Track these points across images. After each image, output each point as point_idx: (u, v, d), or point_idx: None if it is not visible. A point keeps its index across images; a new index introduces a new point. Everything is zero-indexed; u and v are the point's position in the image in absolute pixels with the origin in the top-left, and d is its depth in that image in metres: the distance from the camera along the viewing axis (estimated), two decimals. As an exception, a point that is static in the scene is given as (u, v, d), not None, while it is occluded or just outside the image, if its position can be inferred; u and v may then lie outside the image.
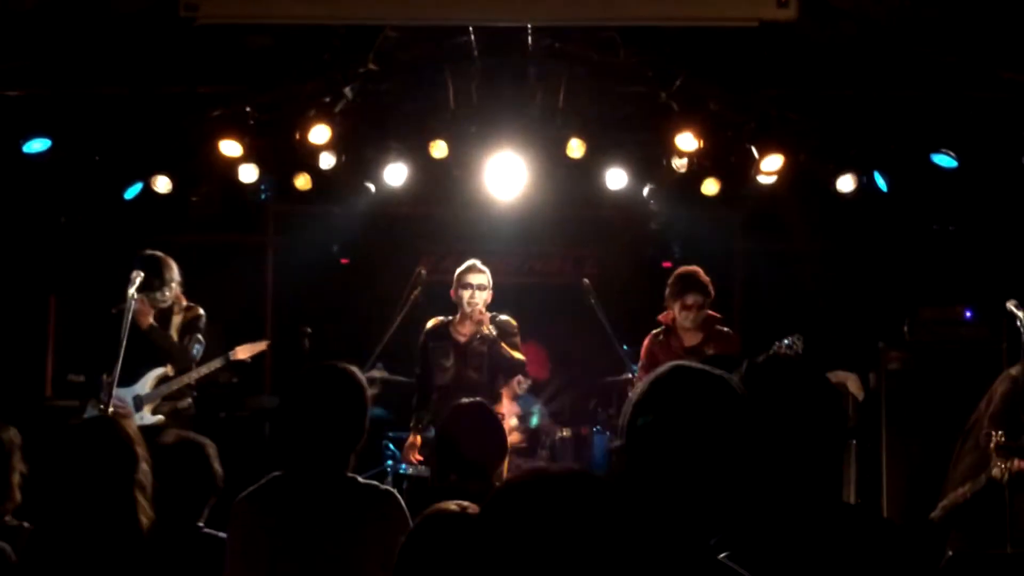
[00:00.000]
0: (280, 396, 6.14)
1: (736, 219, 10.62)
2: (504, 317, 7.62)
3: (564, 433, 9.05)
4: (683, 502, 2.36)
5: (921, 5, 6.88)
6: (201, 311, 7.59)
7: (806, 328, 7.43)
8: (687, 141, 8.35)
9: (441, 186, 9.55)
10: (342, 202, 9.50)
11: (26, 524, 3.99)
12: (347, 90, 8.19)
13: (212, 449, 4.39)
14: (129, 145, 8.57)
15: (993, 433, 6.13)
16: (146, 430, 4.67)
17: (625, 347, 8.26)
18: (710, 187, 8.99)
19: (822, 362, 3.02)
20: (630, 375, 8.05)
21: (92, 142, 8.53)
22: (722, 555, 2.46)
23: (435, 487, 4.61)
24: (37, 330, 9.77)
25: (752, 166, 8.60)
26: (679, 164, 8.70)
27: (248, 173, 8.72)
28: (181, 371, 7.46)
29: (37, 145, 8.22)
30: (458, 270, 7.56)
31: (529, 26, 7.48)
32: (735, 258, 11.00)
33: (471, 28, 7.51)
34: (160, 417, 7.37)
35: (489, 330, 7.41)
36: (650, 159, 9.03)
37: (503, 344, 7.47)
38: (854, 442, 8.02)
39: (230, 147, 8.40)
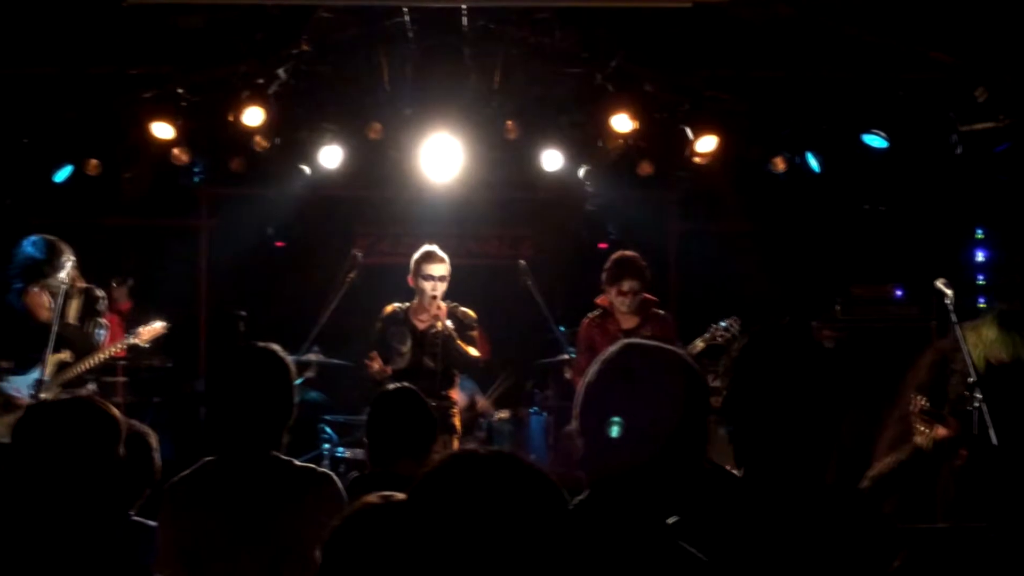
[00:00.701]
0: (207, 381, 6.10)
1: (671, 200, 10.69)
2: (464, 309, 7.49)
3: (501, 415, 9.06)
4: (647, 481, 2.37)
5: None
6: (100, 292, 7.34)
7: (740, 308, 7.51)
8: (622, 122, 8.37)
9: (376, 168, 9.51)
10: (277, 185, 9.43)
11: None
12: (281, 71, 8.12)
13: (154, 440, 4.35)
14: (59, 127, 8.43)
15: (915, 398, 6.24)
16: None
17: (561, 328, 8.29)
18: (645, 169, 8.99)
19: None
20: (566, 356, 8.08)
21: (20, 124, 8.38)
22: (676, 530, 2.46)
23: (371, 474, 4.58)
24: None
25: (687, 147, 8.65)
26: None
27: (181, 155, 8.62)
28: (81, 357, 7.14)
29: (-37, 127, 8.08)
30: (416, 257, 7.37)
31: (464, 7, 7.46)
32: (670, 239, 11.09)
33: (406, 9, 7.47)
34: None
35: (444, 326, 7.30)
36: (585, 140, 9.06)
37: (459, 341, 7.32)
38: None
39: (162, 129, 8.28)
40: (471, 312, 7.48)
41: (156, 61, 8.25)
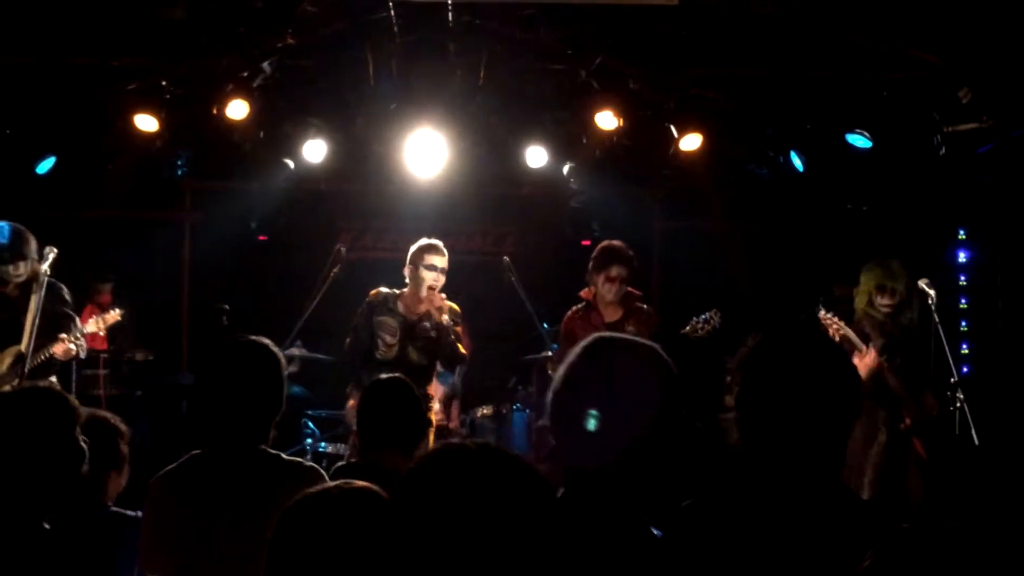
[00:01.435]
0: (197, 372, 6.07)
1: (655, 198, 10.70)
2: (450, 304, 7.46)
3: (484, 411, 9.06)
4: (621, 476, 2.37)
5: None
6: (63, 286, 7.19)
7: (723, 306, 7.53)
8: (607, 119, 8.39)
9: (361, 163, 9.50)
10: (260, 178, 9.40)
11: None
12: (265, 65, 8.09)
13: (120, 424, 4.33)
14: (41, 118, 8.39)
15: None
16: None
17: (545, 325, 8.29)
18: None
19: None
20: (549, 353, 8.09)
21: (3, 115, 8.33)
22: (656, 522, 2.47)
23: (355, 464, 4.58)
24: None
25: (671, 145, 8.66)
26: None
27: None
28: (38, 348, 6.94)
29: (-55, 118, 8.03)
30: (418, 247, 7.33)
31: (449, 2, 7.45)
32: (654, 236, 11.11)
33: (391, 3, 7.46)
34: None
35: (444, 319, 7.21)
36: (570, 137, 9.06)
37: (450, 337, 7.27)
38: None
39: (145, 121, 8.25)
40: (455, 307, 7.46)
41: (139, 53, 8.21)
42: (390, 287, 7.44)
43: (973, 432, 6.36)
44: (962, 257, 9.84)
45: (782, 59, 8.15)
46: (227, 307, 8.68)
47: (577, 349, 2.51)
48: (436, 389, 8.49)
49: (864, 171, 8.84)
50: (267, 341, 3.89)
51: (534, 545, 1.88)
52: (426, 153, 8.75)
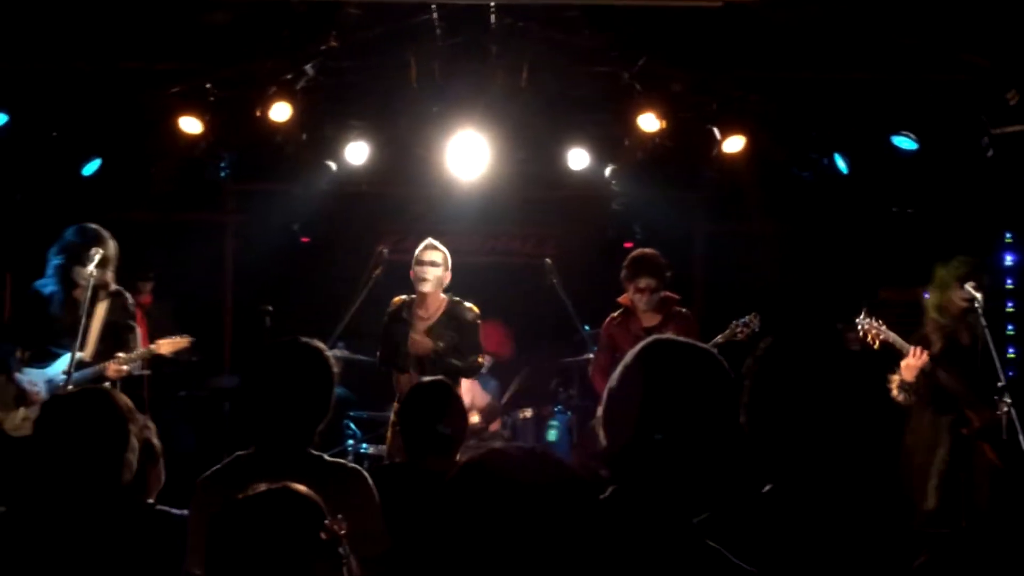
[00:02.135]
0: (244, 372, 6.07)
1: (697, 200, 10.65)
2: (467, 305, 7.41)
3: (525, 413, 9.04)
4: (672, 479, 2.35)
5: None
6: (130, 299, 7.35)
7: (765, 309, 7.48)
8: (649, 122, 8.37)
9: (403, 165, 9.52)
10: (303, 180, 9.44)
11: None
12: (308, 68, 8.13)
13: (147, 421, 4.35)
14: (87, 121, 8.47)
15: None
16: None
17: (586, 328, 8.27)
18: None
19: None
20: (591, 355, 8.07)
21: (50, 118, 8.42)
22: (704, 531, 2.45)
23: (398, 465, 4.59)
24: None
25: (714, 147, 8.62)
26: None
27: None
28: (99, 357, 7.09)
29: (-7, 120, 8.11)
30: (417, 249, 7.42)
31: (492, 4, 7.45)
32: (696, 239, 11.06)
33: (434, 6, 7.47)
34: None
35: (434, 352, 7.20)
36: (612, 139, 9.04)
37: (452, 359, 7.22)
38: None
39: (189, 124, 8.32)
40: (474, 308, 7.42)
41: (185, 57, 8.28)
42: (409, 295, 7.45)
43: (1021, 437, 6.28)
44: (1009, 260, 9.73)
45: (826, 61, 8.10)
46: (269, 308, 8.70)
47: (634, 351, 2.49)
48: (479, 396, 8.50)
49: (910, 173, 8.76)
50: (319, 344, 3.89)
51: (574, 547, 1.87)
52: (468, 155, 8.75)
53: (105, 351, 7.11)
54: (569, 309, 7.89)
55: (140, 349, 7.36)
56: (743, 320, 7.40)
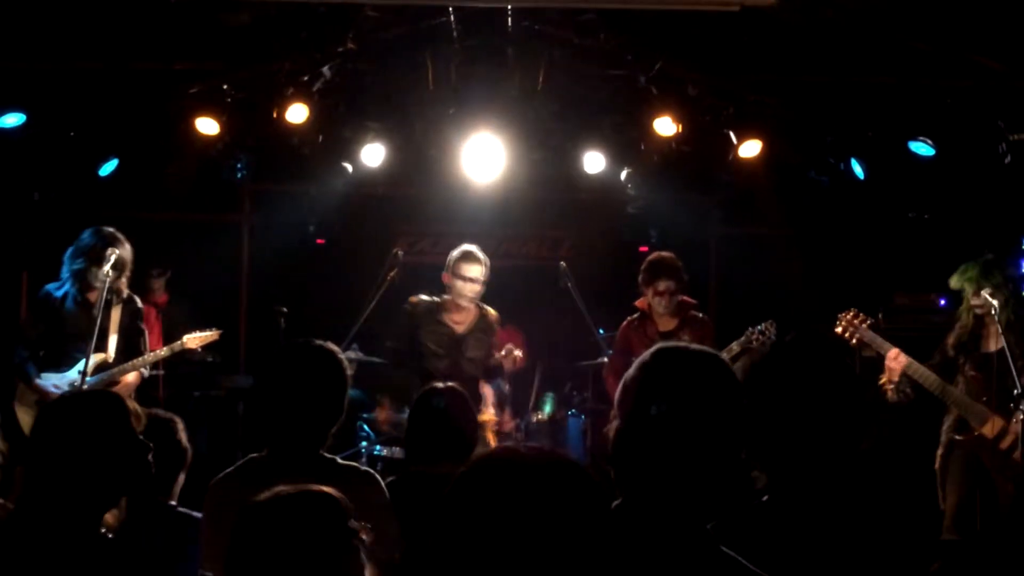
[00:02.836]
0: (257, 374, 6.08)
1: (713, 204, 10.63)
2: (489, 309, 7.47)
3: (539, 416, 9.04)
4: (689, 486, 2.35)
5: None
6: (139, 301, 7.44)
7: (781, 314, 7.47)
8: (665, 125, 8.36)
9: (418, 167, 9.52)
10: (319, 182, 9.45)
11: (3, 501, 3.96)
12: (325, 69, 8.15)
13: (180, 424, 4.38)
14: (105, 121, 8.50)
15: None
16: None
17: (601, 331, 8.26)
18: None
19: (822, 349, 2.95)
20: (605, 359, 8.06)
21: (67, 118, 8.45)
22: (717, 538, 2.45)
23: (410, 473, 4.56)
24: (9, 307, 9.70)
25: (730, 151, 8.61)
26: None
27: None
28: (124, 360, 7.21)
29: (11, 120, 8.12)
30: (453, 256, 7.40)
31: (509, 7, 7.46)
32: (711, 243, 11.04)
33: (451, 9, 7.48)
34: None
35: (514, 359, 7.33)
36: (628, 143, 9.03)
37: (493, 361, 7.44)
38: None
39: (207, 125, 8.34)
40: (493, 312, 7.46)
41: (202, 57, 8.30)
42: (430, 294, 7.46)
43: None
44: (1025, 267, 9.68)
45: (843, 65, 8.08)
46: (285, 310, 8.72)
47: (642, 357, 2.49)
48: (487, 391, 8.48)
49: (927, 179, 8.73)
50: (333, 347, 3.89)
51: (587, 549, 1.87)
52: (484, 158, 8.76)
53: (122, 353, 7.18)
54: (583, 312, 7.88)
55: (168, 346, 7.46)
56: (759, 327, 7.39)
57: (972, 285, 6.86)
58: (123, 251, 7.06)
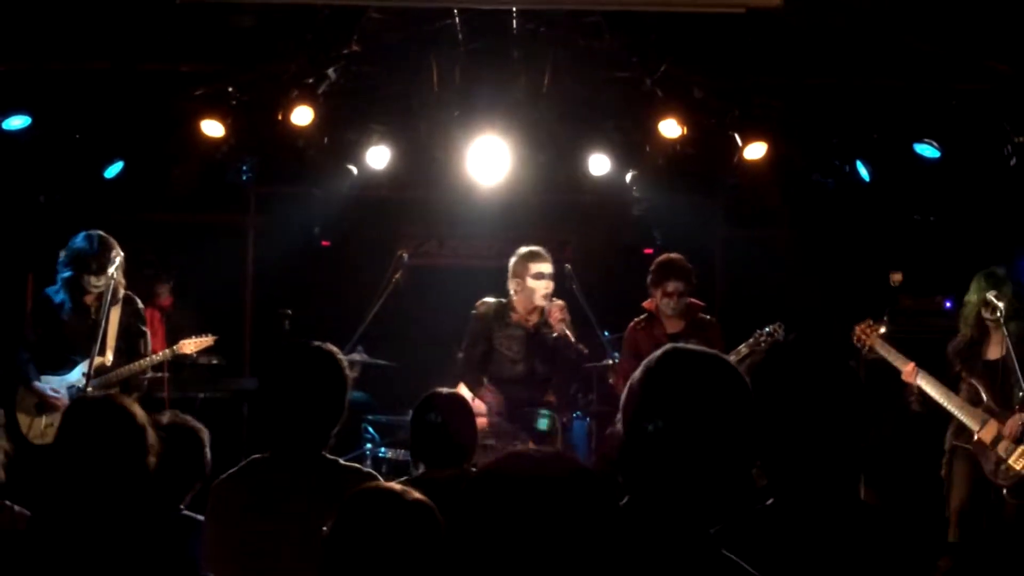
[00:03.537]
0: (259, 376, 6.09)
1: (718, 207, 10.63)
2: (558, 302, 7.50)
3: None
4: (692, 493, 2.34)
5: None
6: (139, 301, 7.45)
7: (786, 316, 7.45)
8: (670, 128, 8.35)
9: (423, 170, 9.52)
10: (324, 184, 9.45)
11: (10, 504, 3.96)
12: (330, 71, 8.15)
13: (205, 435, 4.38)
14: (110, 123, 8.50)
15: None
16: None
17: (606, 333, 8.25)
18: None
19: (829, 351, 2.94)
20: (610, 361, 8.05)
21: (73, 119, 8.46)
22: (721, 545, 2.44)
23: (416, 478, 4.56)
24: (14, 309, 9.70)
25: (735, 154, 8.60)
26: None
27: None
28: (124, 362, 7.23)
29: (17, 122, 8.13)
30: (518, 257, 7.45)
31: (514, 10, 7.45)
32: (717, 245, 11.03)
33: (456, 11, 7.48)
34: None
35: (563, 330, 7.28)
36: (633, 145, 9.02)
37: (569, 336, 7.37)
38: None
39: (212, 127, 8.34)
40: (561, 302, 7.50)
41: (207, 59, 8.30)
42: (496, 296, 7.47)
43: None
44: (1031, 269, 9.66)
45: (848, 68, 8.07)
46: (289, 312, 8.72)
47: (649, 359, 2.48)
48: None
49: (932, 181, 8.72)
50: (332, 348, 3.90)
51: (594, 550, 1.86)
52: (489, 160, 8.75)
53: (122, 355, 7.18)
54: (588, 314, 7.87)
55: (164, 351, 7.46)
56: (767, 330, 7.38)
57: (986, 295, 6.86)
58: (115, 256, 7.04)
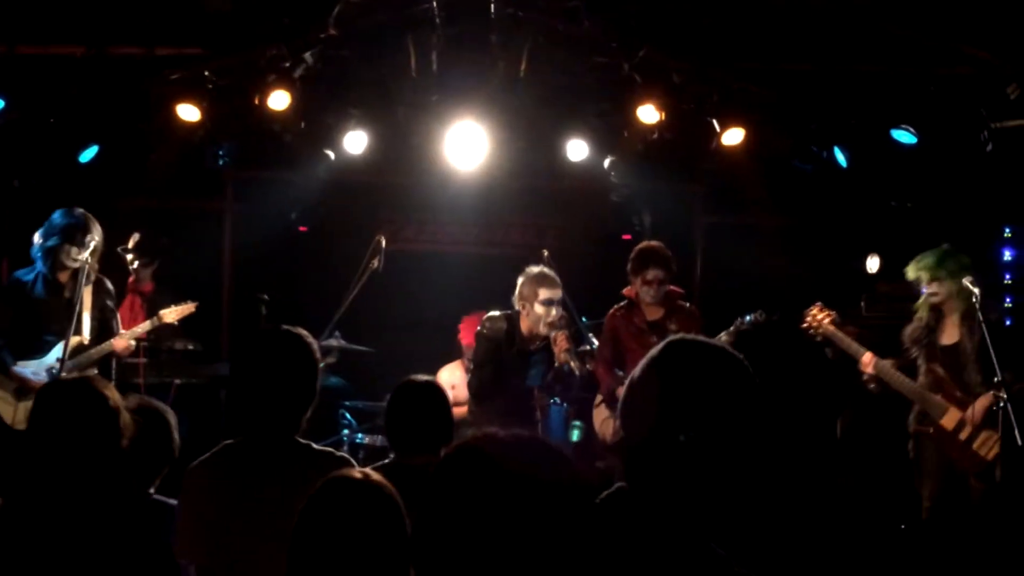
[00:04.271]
0: (231, 361, 6.08)
1: (697, 192, 10.63)
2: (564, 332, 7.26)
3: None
4: (715, 498, 2.32)
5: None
6: (107, 281, 7.44)
7: (766, 302, 7.47)
8: (649, 113, 8.34)
9: (401, 155, 9.48)
10: (301, 169, 9.41)
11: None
12: (308, 56, 8.10)
13: (172, 418, 4.37)
14: (85, 107, 8.44)
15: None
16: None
17: (584, 319, 8.25)
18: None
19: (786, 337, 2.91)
20: (588, 347, 8.05)
21: (47, 103, 8.39)
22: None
23: (388, 463, 4.55)
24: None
25: (713, 139, 8.60)
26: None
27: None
28: (99, 341, 7.23)
29: (-10, 106, 8.09)
30: (526, 279, 7.19)
31: (492, -6, 7.44)
32: (695, 231, 11.03)
33: (433, -5, 7.46)
34: None
35: (571, 363, 7.02)
36: (611, 130, 9.01)
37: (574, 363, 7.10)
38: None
39: (188, 111, 8.28)
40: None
41: (183, 43, 8.25)
42: (504, 311, 7.36)
43: (1016, 432, 6.27)
44: (1007, 255, 9.70)
45: (827, 53, 8.08)
46: (266, 297, 8.69)
47: (653, 351, 2.44)
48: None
49: (909, 167, 8.74)
50: (302, 331, 3.90)
51: (565, 535, 1.86)
52: (467, 145, 8.72)
53: (95, 335, 7.17)
54: (566, 301, 7.87)
55: (144, 323, 7.47)
56: (748, 317, 7.39)
57: (927, 274, 6.89)
58: (97, 232, 7.06)
